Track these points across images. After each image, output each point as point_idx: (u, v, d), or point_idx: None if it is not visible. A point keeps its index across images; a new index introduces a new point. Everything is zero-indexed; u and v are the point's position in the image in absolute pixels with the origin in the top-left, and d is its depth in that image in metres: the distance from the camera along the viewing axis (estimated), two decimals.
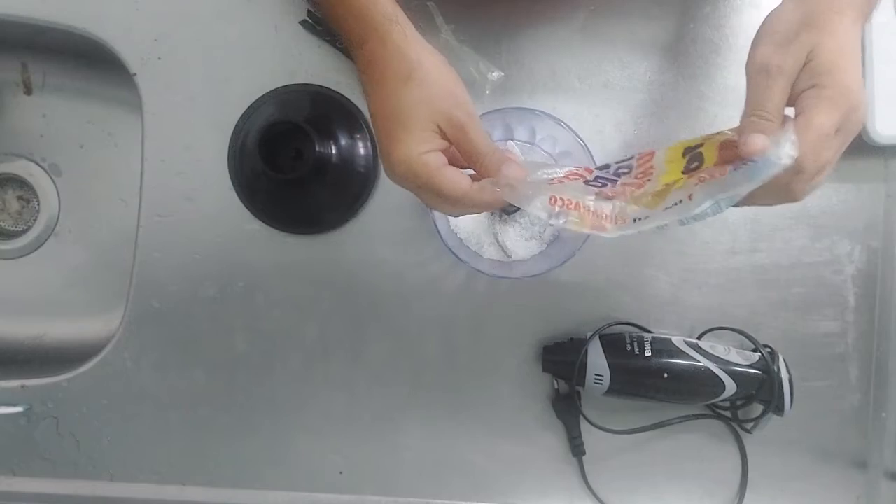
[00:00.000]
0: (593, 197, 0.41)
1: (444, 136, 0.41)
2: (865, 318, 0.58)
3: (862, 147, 0.55)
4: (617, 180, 0.44)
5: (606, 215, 0.40)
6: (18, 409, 0.60)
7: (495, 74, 0.57)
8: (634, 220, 0.39)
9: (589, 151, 0.52)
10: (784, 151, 0.35)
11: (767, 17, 0.42)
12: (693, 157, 0.41)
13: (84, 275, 0.72)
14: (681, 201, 0.38)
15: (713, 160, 0.40)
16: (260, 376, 0.60)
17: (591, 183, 0.43)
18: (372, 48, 0.41)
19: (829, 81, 0.38)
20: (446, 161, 0.41)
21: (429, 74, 0.40)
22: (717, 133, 0.42)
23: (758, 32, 0.41)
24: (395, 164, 0.40)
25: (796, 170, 0.37)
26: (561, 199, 0.40)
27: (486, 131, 0.42)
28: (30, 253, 0.72)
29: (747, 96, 0.40)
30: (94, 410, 0.61)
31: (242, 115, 0.59)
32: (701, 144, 0.42)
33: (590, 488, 0.59)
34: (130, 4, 0.60)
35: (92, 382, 0.61)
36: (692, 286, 0.59)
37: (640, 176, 0.43)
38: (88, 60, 0.67)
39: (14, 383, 0.61)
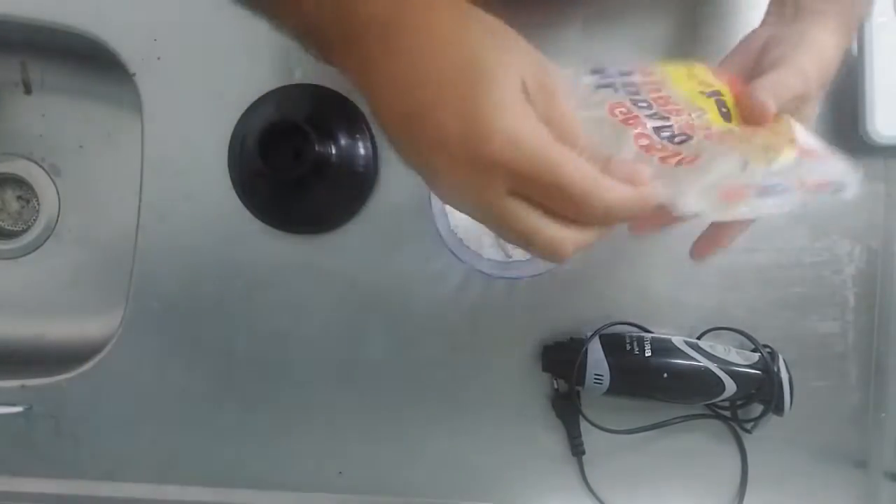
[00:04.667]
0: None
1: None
2: (865, 317, 0.58)
3: (862, 147, 0.55)
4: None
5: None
6: (18, 409, 0.60)
7: None
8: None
9: None
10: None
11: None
12: (719, 102, 0.37)
13: (84, 275, 0.72)
14: (787, 189, 0.33)
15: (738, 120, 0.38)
16: (260, 376, 0.60)
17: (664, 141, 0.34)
18: (397, 10, 0.28)
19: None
20: None
21: (493, 21, 0.30)
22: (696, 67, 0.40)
23: (798, 41, 0.41)
24: (488, 138, 0.26)
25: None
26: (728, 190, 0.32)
27: None
28: (30, 253, 0.72)
29: (771, 77, 0.39)
30: (94, 410, 0.61)
31: (242, 115, 0.59)
32: (718, 91, 0.38)
33: (589, 488, 0.59)
34: (130, 4, 0.60)
35: (92, 382, 0.61)
36: (692, 286, 0.59)
37: (683, 138, 0.35)
38: (88, 60, 0.67)
39: (14, 383, 0.61)
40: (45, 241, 0.72)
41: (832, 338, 0.59)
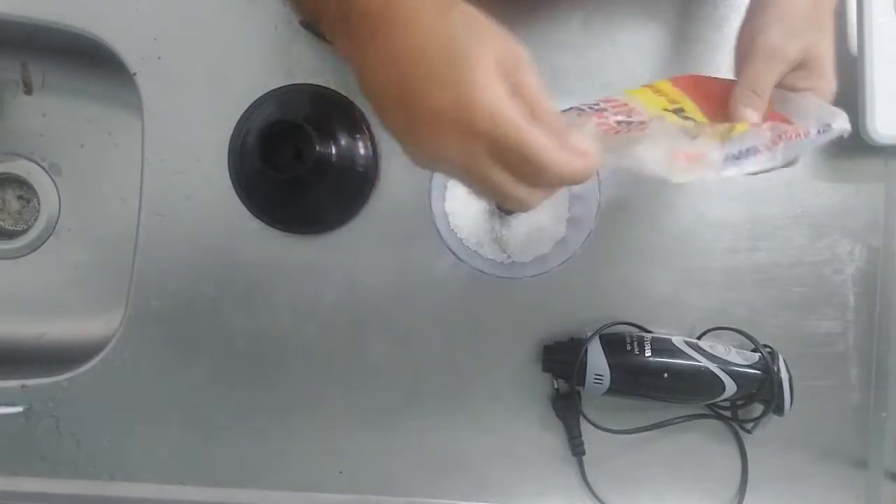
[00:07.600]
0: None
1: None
2: (865, 317, 0.58)
3: (862, 147, 0.55)
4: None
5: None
6: (18, 409, 0.60)
7: None
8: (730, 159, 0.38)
9: None
10: (845, 124, 0.41)
11: None
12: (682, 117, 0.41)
13: (84, 275, 0.72)
14: (758, 150, 0.39)
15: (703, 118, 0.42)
16: (260, 376, 0.60)
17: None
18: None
19: (822, 86, 0.43)
20: None
21: (470, 10, 0.32)
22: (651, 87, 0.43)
23: (765, 12, 0.43)
24: (472, 111, 0.29)
25: None
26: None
27: None
28: (30, 253, 0.72)
29: (747, 71, 0.43)
30: (94, 410, 0.61)
31: (242, 115, 0.59)
32: (681, 108, 0.42)
33: (589, 488, 0.59)
34: (130, 4, 0.60)
35: (92, 382, 0.61)
36: (692, 286, 0.59)
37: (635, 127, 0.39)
38: (88, 60, 0.67)
39: (14, 383, 0.61)
40: (46, 240, 0.72)
41: (832, 337, 0.59)
